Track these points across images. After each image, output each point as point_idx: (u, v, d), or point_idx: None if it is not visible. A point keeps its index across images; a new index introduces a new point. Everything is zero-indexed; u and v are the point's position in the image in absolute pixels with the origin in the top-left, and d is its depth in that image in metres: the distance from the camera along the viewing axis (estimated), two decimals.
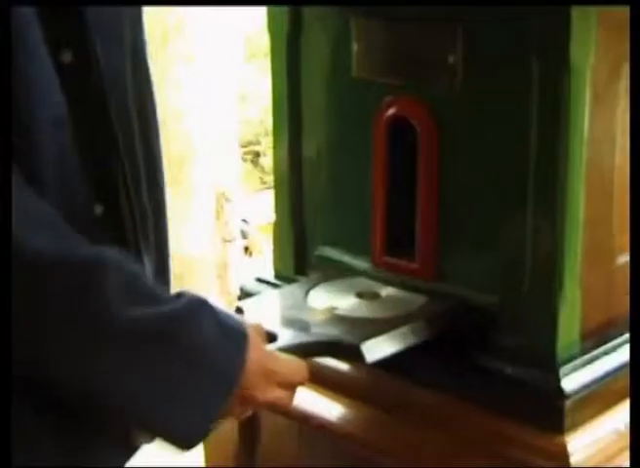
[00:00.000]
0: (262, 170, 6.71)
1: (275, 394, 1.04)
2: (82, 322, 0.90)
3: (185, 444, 0.98)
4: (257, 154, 6.91)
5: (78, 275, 0.90)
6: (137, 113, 1.06)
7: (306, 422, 1.27)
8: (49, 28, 0.93)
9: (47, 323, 0.90)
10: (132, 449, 1.11)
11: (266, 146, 6.69)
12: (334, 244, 1.35)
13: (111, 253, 0.93)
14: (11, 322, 0.88)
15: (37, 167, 0.94)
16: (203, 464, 1.42)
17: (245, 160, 6.50)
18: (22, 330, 0.89)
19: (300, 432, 1.29)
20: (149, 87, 1.11)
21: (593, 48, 1.07)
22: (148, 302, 0.94)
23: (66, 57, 0.96)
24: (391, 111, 1.21)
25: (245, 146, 6.39)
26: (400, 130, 1.21)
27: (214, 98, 4.35)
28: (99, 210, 1.01)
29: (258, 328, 1.08)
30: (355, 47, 1.24)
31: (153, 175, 1.11)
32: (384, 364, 1.13)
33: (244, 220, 6.06)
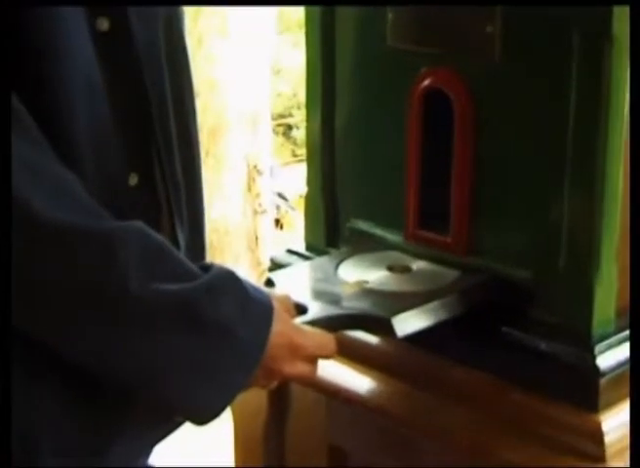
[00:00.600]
0: (295, 142, 6.70)
1: (300, 368, 1.04)
2: (101, 296, 0.89)
3: (207, 418, 0.97)
4: (289, 127, 6.91)
5: (98, 248, 0.89)
6: (170, 85, 1.05)
7: (336, 395, 1.26)
8: None
9: (67, 296, 0.89)
10: (167, 427, 1.10)
11: (299, 119, 6.68)
12: (366, 217, 1.33)
13: (135, 226, 0.92)
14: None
15: (71, 133, 0.93)
16: (232, 435, 1.42)
17: (277, 133, 6.50)
18: (42, 302, 0.89)
19: (328, 405, 1.29)
20: (185, 59, 1.10)
21: None
22: (171, 277, 0.92)
23: (103, 25, 0.95)
24: (426, 82, 1.19)
25: (277, 119, 6.39)
26: (435, 101, 1.19)
27: (247, 72, 4.34)
28: (134, 180, 1.00)
29: (285, 300, 1.07)
30: (390, 16, 1.22)
31: (188, 149, 1.09)
32: (415, 338, 1.12)
33: (280, 195, 6.07)
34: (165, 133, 1.04)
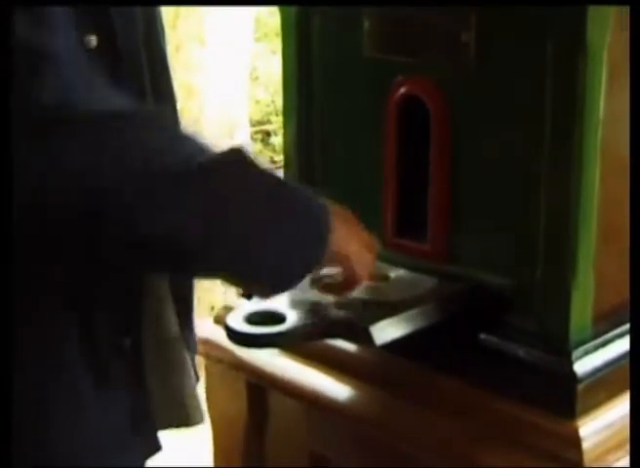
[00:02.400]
0: (273, 149, 6.69)
1: (358, 247, 1.06)
2: (165, 167, 0.90)
3: (284, 287, 1.01)
4: (267, 133, 6.90)
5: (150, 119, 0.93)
6: (153, 97, 1.05)
7: (315, 403, 1.27)
8: (77, 14, 0.93)
9: (127, 171, 0.89)
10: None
11: (277, 126, 6.68)
12: None
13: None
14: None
15: None
16: (211, 443, 1.42)
17: (255, 139, 6.49)
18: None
19: (308, 413, 1.29)
20: (166, 70, 1.10)
21: (609, 27, 1.05)
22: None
23: (92, 42, 0.96)
24: (403, 90, 1.20)
25: (255, 126, 6.38)
26: (412, 109, 1.19)
27: (225, 78, 4.34)
28: None
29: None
30: (366, 25, 1.22)
31: None
32: (394, 346, 1.12)
33: None
34: None
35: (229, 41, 4.32)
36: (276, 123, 6.83)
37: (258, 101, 6.50)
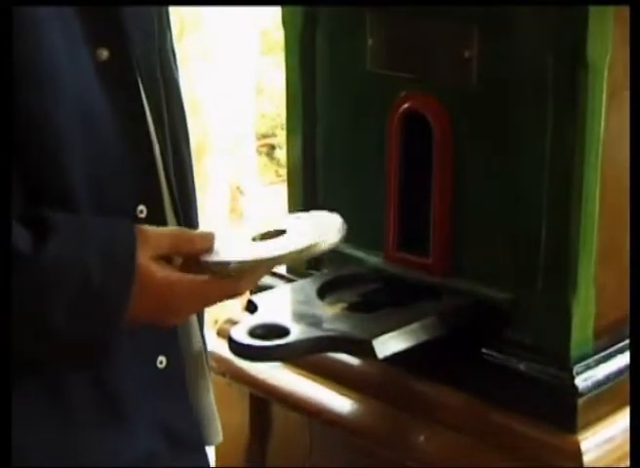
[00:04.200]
0: (278, 163, 6.70)
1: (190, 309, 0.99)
2: None
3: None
4: (272, 147, 6.91)
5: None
6: (167, 113, 1.04)
7: (317, 416, 1.27)
8: (86, 26, 0.92)
9: None
10: None
11: (282, 139, 6.69)
12: (347, 239, 1.34)
13: None
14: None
15: (65, 164, 0.92)
16: (214, 458, 1.43)
17: (260, 153, 6.50)
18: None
19: (310, 427, 1.29)
20: (176, 84, 1.08)
21: (610, 45, 1.06)
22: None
23: (103, 55, 0.94)
24: (406, 106, 1.21)
25: (261, 139, 6.39)
26: (414, 124, 1.20)
27: (230, 92, 4.36)
28: (142, 212, 0.98)
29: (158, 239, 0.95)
30: (370, 41, 1.23)
31: (184, 181, 1.07)
32: (396, 360, 1.13)
33: None
34: (167, 160, 1.03)
35: (235, 55, 4.33)
36: (282, 136, 6.84)
37: (263, 115, 6.51)
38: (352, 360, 1.25)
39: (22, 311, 0.86)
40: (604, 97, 1.07)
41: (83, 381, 0.96)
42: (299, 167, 1.36)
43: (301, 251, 0.96)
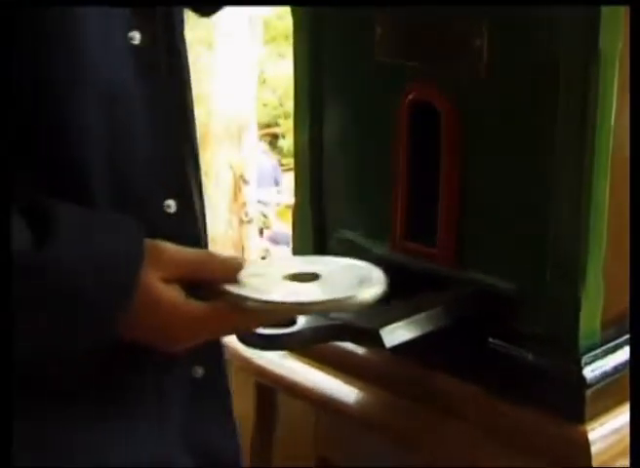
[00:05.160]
0: (280, 152, 6.71)
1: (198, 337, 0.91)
2: None
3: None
4: (275, 136, 6.91)
5: None
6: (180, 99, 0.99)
7: (323, 405, 1.27)
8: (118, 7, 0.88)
9: None
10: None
11: (285, 128, 6.68)
12: (353, 227, 1.34)
13: None
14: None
15: (83, 144, 0.87)
16: None
17: (263, 142, 6.50)
18: None
19: (316, 415, 1.29)
20: (189, 74, 1.06)
21: (622, 35, 1.05)
22: None
23: (135, 38, 0.90)
24: (414, 95, 1.20)
25: (263, 128, 6.39)
26: (423, 113, 1.19)
27: (233, 81, 4.35)
28: (171, 207, 0.93)
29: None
30: (378, 30, 1.23)
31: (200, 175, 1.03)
32: (403, 349, 1.12)
33: (260, 201, 6.07)
34: (195, 149, 0.98)
35: (238, 45, 4.33)
36: (284, 126, 6.84)
37: (265, 104, 6.51)
38: (359, 349, 1.25)
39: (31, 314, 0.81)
40: (615, 87, 1.06)
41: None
42: (306, 156, 1.35)
43: (332, 302, 0.90)
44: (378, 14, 1.22)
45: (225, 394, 1.02)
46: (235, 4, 1.18)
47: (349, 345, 1.23)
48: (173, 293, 0.86)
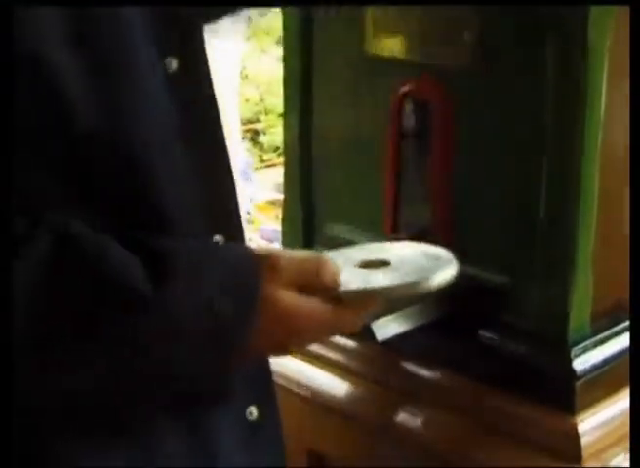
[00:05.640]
0: (262, 148, 6.70)
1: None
2: None
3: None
4: (256, 132, 6.90)
5: None
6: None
7: (314, 400, 1.27)
8: (154, 31, 0.82)
9: None
10: None
11: (266, 124, 6.68)
12: (342, 222, 1.34)
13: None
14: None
15: (154, 190, 0.83)
16: None
17: (244, 138, 6.49)
18: None
19: (307, 410, 1.29)
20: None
21: (611, 28, 1.06)
22: None
23: (172, 65, 0.84)
24: (405, 89, 1.20)
25: (245, 124, 6.38)
26: (414, 106, 1.20)
27: (215, 77, 4.35)
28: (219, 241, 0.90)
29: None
30: (369, 24, 1.23)
31: None
32: (394, 343, 1.13)
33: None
34: (234, 182, 0.93)
35: (221, 40, 4.32)
36: (265, 121, 6.83)
37: (247, 100, 6.50)
38: (350, 343, 1.25)
39: (143, 356, 0.79)
40: (604, 77, 1.07)
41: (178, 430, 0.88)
42: (295, 150, 1.36)
43: (412, 285, 0.89)
44: (369, 7, 1.22)
45: (279, 439, 1.00)
46: (245, 5, 1.16)
47: (340, 339, 1.24)
48: (290, 295, 0.85)
